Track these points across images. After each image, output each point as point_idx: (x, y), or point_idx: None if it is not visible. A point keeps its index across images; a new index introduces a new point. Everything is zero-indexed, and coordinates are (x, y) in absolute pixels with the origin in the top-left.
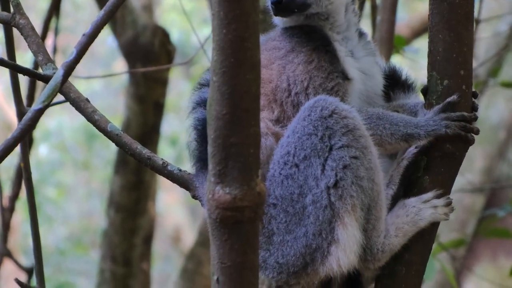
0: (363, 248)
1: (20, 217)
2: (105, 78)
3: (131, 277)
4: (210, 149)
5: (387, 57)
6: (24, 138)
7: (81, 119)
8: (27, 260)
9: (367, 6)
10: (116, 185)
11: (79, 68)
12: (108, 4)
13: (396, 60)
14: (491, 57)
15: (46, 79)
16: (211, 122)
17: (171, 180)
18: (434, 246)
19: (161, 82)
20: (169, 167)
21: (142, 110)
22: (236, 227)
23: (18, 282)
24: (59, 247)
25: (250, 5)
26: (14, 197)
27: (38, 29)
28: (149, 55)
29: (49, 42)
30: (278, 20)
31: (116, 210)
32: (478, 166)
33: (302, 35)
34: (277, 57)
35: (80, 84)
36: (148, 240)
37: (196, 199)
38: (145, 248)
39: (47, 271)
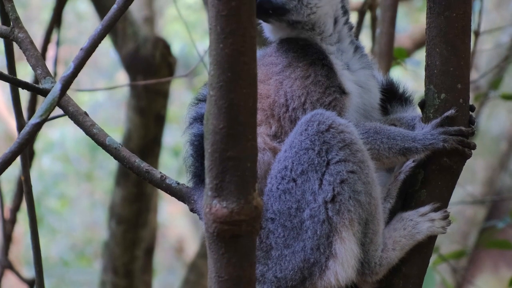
0: (361, 262)
1: (22, 229)
2: (108, 90)
3: None
4: (207, 163)
5: (387, 70)
6: (22, 152)
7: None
8: (30, 271)
9: (367, 18)
10: (118, 197)
11: (83, 79)
12: (106, 18)
13: (398, 72)
14: (492, 68)
15: (44, 92)
16: (208, 136)
17: (169, 194)
18: (435, 257)
19: (162, 94)
20: (167, 181)
21: (143, 122)
22: (233, 241)
23: None
24: (62, 258)
25: (246, 20)
26: (15, 209)
27: (41, 40)
28: (150, 67)
29: (51, 54)
30: (268, 32)
31: (118, 222)
32: (479, 177)
33: (298, 50)
34: (274, 72)
35: (84, 95)
36: (149, 252)
37: (194, 212)
38: (147, 260)
39: (50, 282)
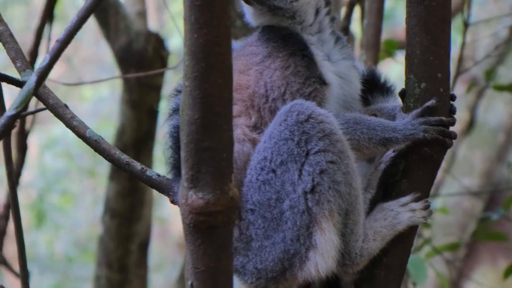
0: (341, 253)
1: (25, 225)
2: (112, 85)
3: (127, 284)
4: (183, 154)
5: (374, 61)
6: None
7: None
8: (33, 268)
9: (357, 10)
10: (111, 191)
11: (86, 75)
12: (81, 9)
13: (390, 64)
14: (483, 58)
15: (24, 85)
16: (184, 127)
17: (150, 186)
18: (429, 249)
19: (155, 88)
20: (147, 172)
21: (136, 116)
22: (210, 232)
23: None
24: (67, 254)
25: (221, 10)
26: (9, 204)
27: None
28: (143, 61)
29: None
30: (249, 17)
31: (112, 217)
32: (477, 169)
33: (278, 40)
34: (254, 63)
35: (87, 91)
36: (144, 246)
37: (175, 204)
38: (141, 254)
39: (55, 278)
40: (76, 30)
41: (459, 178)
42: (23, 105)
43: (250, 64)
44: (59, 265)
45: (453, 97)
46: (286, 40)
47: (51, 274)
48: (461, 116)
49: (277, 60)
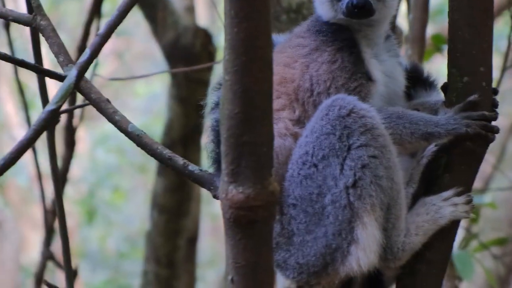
0: (383, 247)
1: (76, 222)
2: (164, 81)
3: (174, 279)
4: (223, 148)
5: (419, 56)
6: (38, 138)
7: (138, 122)
8: (86, 264)
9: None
10: (159, 187)
11: (138, 72)
12: (122, 4)
13: (439, 60)
14: None
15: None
16: (224, 122)
17: (192, 180)
18: (475, 244)
19: (203, 83)
20: (189, 167)
21: (184, 111)
22: (250, 227)
23: (48, 284)
24: (119, 250)
25: (261, 4)
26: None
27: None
28: (190, 56)
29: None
30: (322, 12)
31: (160, 212)
32: None
33: (328, 34)
34: (300, 55)
35: (140, 87)
36: (192, 241)
37: (217, 199)
38: (189, 249)
39: (106, 274)
40: (116, 24)
41: (508, 173)
42: (64, 99)
43: (297, 56)
44: (111, 260)
45: (495, 91)
46: (336, 35)
47: (103, 269)
48: (509, 110)
49: (324, 54)
